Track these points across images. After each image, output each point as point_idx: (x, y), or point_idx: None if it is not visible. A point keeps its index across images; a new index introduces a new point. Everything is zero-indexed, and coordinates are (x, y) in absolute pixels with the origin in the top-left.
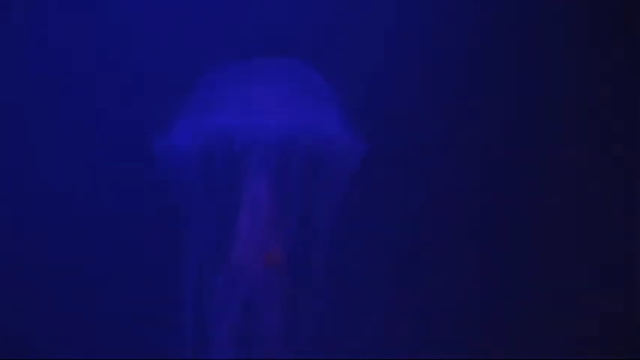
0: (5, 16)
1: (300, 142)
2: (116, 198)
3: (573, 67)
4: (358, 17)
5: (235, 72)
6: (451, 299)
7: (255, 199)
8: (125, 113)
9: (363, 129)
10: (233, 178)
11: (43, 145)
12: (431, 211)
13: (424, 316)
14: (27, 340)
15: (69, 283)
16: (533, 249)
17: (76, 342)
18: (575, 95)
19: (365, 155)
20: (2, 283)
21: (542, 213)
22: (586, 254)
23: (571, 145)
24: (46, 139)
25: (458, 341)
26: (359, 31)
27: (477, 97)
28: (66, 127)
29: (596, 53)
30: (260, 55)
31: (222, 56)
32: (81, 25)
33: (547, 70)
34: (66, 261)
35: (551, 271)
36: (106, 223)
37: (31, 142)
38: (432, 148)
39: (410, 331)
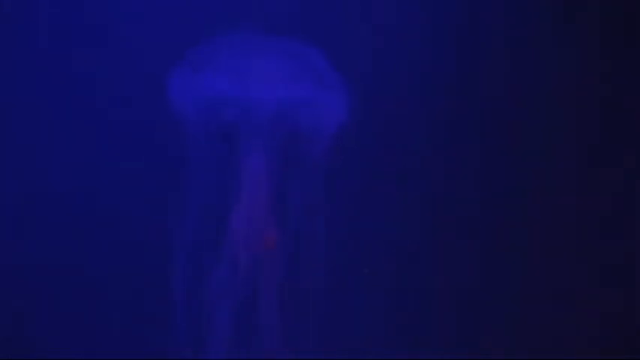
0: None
1: (295, 120)
2: (112, 194)
3: (574, 64)
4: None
5: (235, 45)
6: (451, 299)
7: (252, 185)
8: (121, 102)
9: (362, 122)
10: (229, 160)
11: (39, 143)
12: (431, 209)
13: (424, 316)
14: (26, 340)
15: (68, 283)
16: (533, 248)
17: (76, 342)
18: (576, 93)
19: (363, 151)
20: (0, 283)
21: (542, 213)
22: (586, 254)
23: (571, 144)
24: (41, 135)
25: (458, 341)
26: (363, 19)
27: (477, 95)
28: (58, 121)
29: (598, 52)
30: (265, 33)
31: (222, 29)
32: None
33: (546, 67)
34: (64, 260)
35: (551, 270)
36: (103, 221)
37: (28, 140)
38: (433, 146)
39: (410, 331)
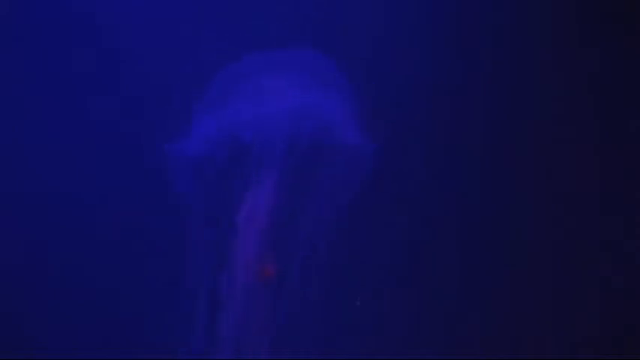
0: (6, 17)
1: (307, 130)
2: (121, 199)
3: (574, 65)
4: (368, 8)
5: (245, 65)
6: (451, 299)
7: (258, 204)
8: (130, 114)
9: (370, 126)
10: (240, 176)
11: (49, 146)
12: (431, 211)
13: (424, 315)
14: (27, 340)
15: (71, 284)
16: (534, 248)
17: (77, 342)
18: (576, 94)
19: (371, 153)
20: (4, 283)
21: (542, 213)
22: (586, 254)
23: (572, 143)
24: (50, 139)
25: (458, 341)
26: (369, 22)
27: (480, 96)
28: (70, 129)
29: (598, 53)
30: (270, 48)
31: (230, 51)
32: (87, 26)
33: (544, 63)
34: (69, 262)
35: (551, 271)
36: (110, 224)
37: (37, 143)
38: (436, 148)
39: (410, 331)
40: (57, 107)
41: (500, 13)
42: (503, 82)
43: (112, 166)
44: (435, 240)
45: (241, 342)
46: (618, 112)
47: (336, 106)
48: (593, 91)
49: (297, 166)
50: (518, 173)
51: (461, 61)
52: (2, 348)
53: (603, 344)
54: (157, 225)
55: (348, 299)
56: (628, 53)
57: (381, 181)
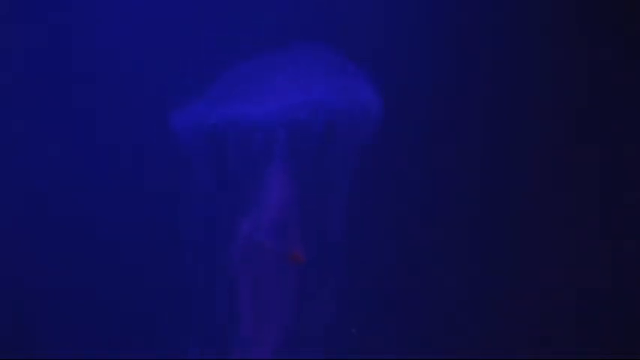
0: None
1: (313, 121)
2: (124, 195)
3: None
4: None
5: (246, 64)
6: (451, 299)
7: (271, 191)
8: (129, 110)
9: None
10: (247, 168)
11: (51, 147)
12: (430, 212)
13: (426, 316)
14: (28, 339)
15: (71, 283)
16: (534, 248)
17: (78, 342)
18: (574, 96)
19: (376, 146)
20: (4, 283)
21: (542, 212)
22: (585, 253)
23: (572, 143)
24: (53, 141)
25: (458, 341)
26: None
27: (480, 96)
28: (70, 129)
29: (599, 51)
30: (271, 46)
31: (231, 50)
32: (86, 21)
33: (544, 63)
34: (69, 261)
35: (552, 271)
36: (111, 224)
37: (36, 143)
38: (436, 148)
39: (413, 331)
40: (56, 107)
41: (500, 13)
42: (503, 82)
43: (112, 165)
44: (433, 240)
45: (252, 342)
46: (618, 112)
47: (341, 102)
48: (593, 91)
49: (302, 162)
50: (518, 173)
51: (461, 61)
52: (2, 348)
53: (604, 344)
54: (163, 225)
55: (351, 299)
56: (628, 53)
57: (381, 182)
